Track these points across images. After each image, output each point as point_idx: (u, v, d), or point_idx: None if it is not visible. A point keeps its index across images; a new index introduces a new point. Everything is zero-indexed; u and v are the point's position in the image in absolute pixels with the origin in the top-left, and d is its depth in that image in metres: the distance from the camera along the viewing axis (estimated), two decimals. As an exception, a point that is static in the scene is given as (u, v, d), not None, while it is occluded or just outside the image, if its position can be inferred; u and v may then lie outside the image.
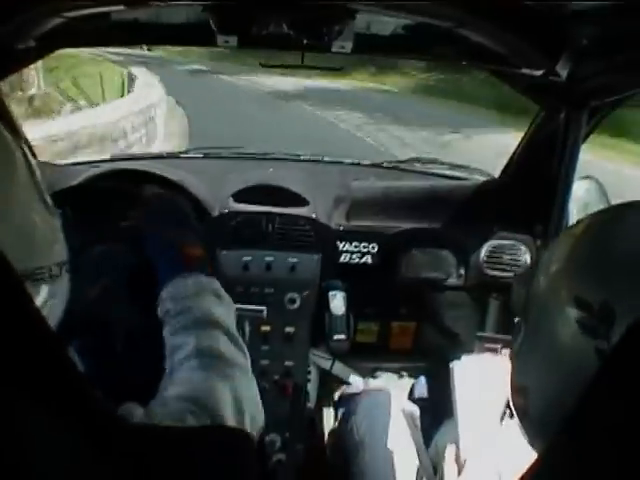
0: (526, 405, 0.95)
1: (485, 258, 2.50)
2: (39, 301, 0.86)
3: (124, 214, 1.51)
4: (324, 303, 2.47)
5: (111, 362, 1.54)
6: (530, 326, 0.96)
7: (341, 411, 2.11)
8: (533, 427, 0.96)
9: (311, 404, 2.62)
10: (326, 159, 3.22)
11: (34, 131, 8.23)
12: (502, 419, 1.30)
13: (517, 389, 0.99)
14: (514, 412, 1.03)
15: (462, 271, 2.54)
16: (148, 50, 31.90)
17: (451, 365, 1.76)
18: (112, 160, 2.81)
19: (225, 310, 1.28)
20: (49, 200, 0.94)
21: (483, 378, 1.64)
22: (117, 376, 1.37)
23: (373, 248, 2.54)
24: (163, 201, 1.55)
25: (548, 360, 0.89)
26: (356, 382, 2.67)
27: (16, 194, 0.85)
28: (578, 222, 1.00)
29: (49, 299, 0.89)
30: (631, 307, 0.79)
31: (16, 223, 0.83)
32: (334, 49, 1.90)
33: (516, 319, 1.05)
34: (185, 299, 1.23)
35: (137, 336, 1.97)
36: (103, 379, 0.92)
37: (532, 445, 0.98)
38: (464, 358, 1.75)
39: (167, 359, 1.16)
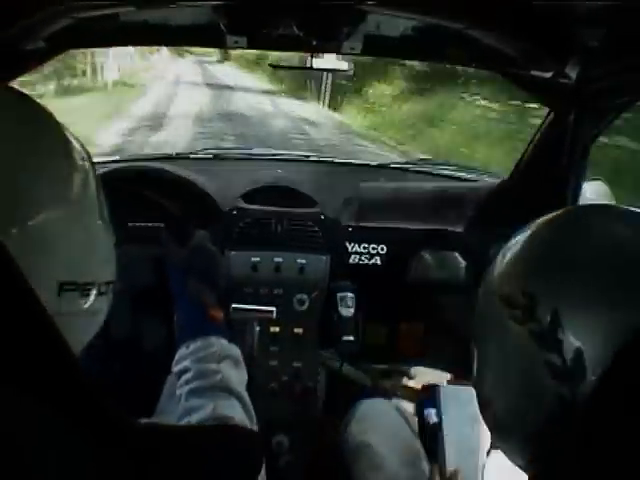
0: (493, 417, 0.96)
1: (494, 259, 2.49)
2: (81, 316, 0.87)
3: (132, 215, 1.53)
4: (333, 304, 2.47)
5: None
6: (477, 339, 0.99)
7: (355, 412, 2.10)
8: (505, 439, 0.96)
9: (319, 405, 2.62)
10: (335, 160, 3.22)
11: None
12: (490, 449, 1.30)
13: (483, 405, 1.01)
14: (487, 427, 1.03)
15: (471, 272, 2.53)
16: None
17: (438, 389, 1.79)
18: (121, 161, 2.81)
19: (241, 377, 1.31)
20: (107, 217, 0.96)
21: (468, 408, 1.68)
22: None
23: (382, 249, 2.54)
24: (200, 251, 1.58)
25: (495, 363, 0.92)
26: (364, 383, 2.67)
27: (86, 206, 0.88)
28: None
29: (91, 316, 0.90)
30: (548, 285, 0.83)
31: (81, 234, 0.86)
32: (344, 50, 1.90)
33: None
34: (207, 362, 1.26)
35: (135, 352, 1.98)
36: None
37: (512, 461, 0.99)
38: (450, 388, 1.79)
39: (180, 418, 1.18)
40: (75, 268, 0.85)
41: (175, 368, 1.30)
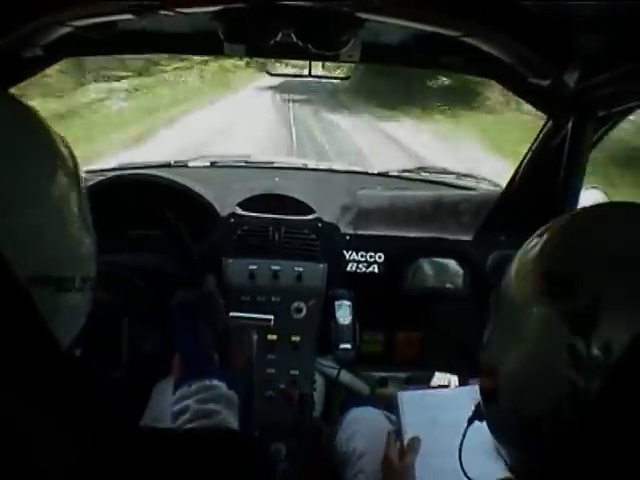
0: (495, 386, 0.94)
1: (492, 267, 2.49)
2: (60, 311, 0.86)
3: (130, 223, 1.52)
4: (330, 312, 2.47)
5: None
6: (501, 310, 0.97)
7: (343, 420, 2.11)
8: (501, 410, 0.95)
9: (317, 413, 2.61)
10: (333, 168, 3.22)
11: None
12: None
13: (486, 372, 0.98)
14: (483, 397, 1.02)
15: (468, 280, 2.53)
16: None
17: (399, 394, 1.79)
18: (119, 169, 2.82)
19: (236, 419, 1.33)
20: (88, 213, 0.95)
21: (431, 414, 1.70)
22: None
23: (379, 257, 2.54)
24: (209, 298, 1.61)
25: (516, 336, 0.89)
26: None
27: (61, 199, 0.87)
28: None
29: (69, 312, 0.89)
30: (596, 272, 0.81)
31: (53, 228, 0.84)
32: (342, 58, 1.90)
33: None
34: (208, 403, 1.29)
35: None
36: None
37: (498, 441, 0.98)
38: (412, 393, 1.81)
39: None
40: (50, 263, 0.83)
41: (175, 407, 1.31)
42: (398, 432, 1.77)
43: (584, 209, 1.03)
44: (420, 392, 1.85)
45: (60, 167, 0.87)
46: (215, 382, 1.34)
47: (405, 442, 1.71)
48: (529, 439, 0.85)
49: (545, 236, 0.94)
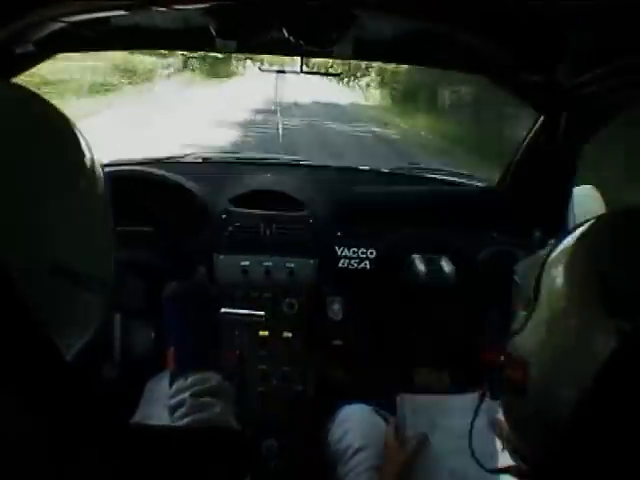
0: (525, 378, 0.93)
1: (484, 264, 2.49)
2: (75, 307, 0.86)
3: (120, 219, 1.51)
4: (322, 308, 2.47)
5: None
6: (541, 303, 0.94)
7: (335, 418, 2.10)
8: (528, 405, 0.94)
9: (308, 409, 2.61)
10: (325, 164, 3.21)
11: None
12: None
13: (516, 363, 0.97)
14: (508, 389, 1.01)
15: (460, 277, 2.53)
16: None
17: (400, 398, 1.80)
18: (110, 165, 2.81)
19: (232, 412, 1.33)
20: (111, 222, 0.98)
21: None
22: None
23: (372, 253, 2.54)
24: (202, 289, 1.60)
25: (557, 334, 0.88)
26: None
27: (87, 201, 0.87)
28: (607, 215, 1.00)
29: (84, 310, 0.89)
30: None
31: (82, 225, 0.86)
32: (334, 54, 1.90)
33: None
34: (204, 396, 1.28)
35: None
36: None
37: (516, 431, 0.98)
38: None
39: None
40: (72, 255, 0.83)
41: (172, 401, 1.31)
42: (398, 431, 1.78)
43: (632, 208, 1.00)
44: (421, 397, 1.86)
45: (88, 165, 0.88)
46: (210, 375, 1.33)
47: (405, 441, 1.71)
48: (553, 432, 0.84)
49: (598, 233, 0.93)
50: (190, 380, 1.31)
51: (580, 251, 0.90)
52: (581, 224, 0.96)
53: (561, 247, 0.95)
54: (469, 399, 1.59)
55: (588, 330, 0.82)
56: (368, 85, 30.14)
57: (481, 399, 1.19)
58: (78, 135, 0.88)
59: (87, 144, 0.90)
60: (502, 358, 1.02)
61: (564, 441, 0.79)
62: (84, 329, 0.91)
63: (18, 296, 0.65)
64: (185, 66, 28.89)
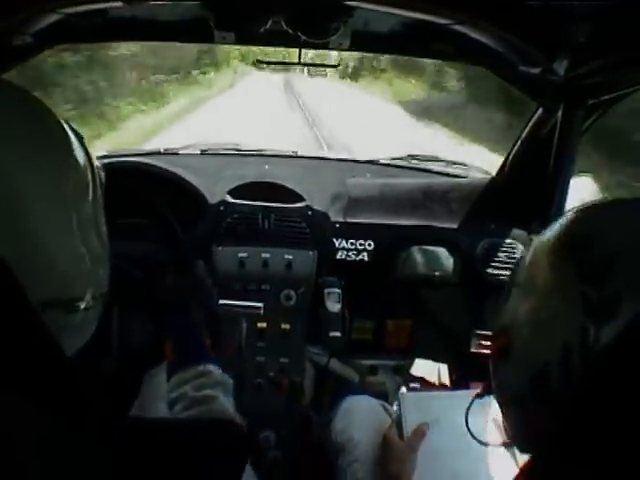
0: (507, 342, 0.94)
1: (481, 255, 2.50)
2: (67, 330, 0.83)
3: (118, 211, 1.51)
4: (320, 300, 2.47)
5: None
6: (522, 269, 0.96)
7: (338, 409, 2.11)
8: (513, 365, 0.95)
9: (306, 401, 2.62)
10: (323, 156, 3.21)
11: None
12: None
13: (499, 333, 0.98)
14: (494, 356, 1.02)
15: (458, 268, 2.53)
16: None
17: (401, 395, 1.80)
18: (108, 157, 2.80)
19: (231, 404, 1.33)
20: (104, 226, 0.93)
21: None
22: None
23: (369, 245, 2.54)
24: (201, 284, 1.64)
25: (530, 290, 0.90)
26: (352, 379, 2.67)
27: (82, 215, 0.83)
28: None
29: (76, 330, 0.87)
30: (632, 264, 0.78)
31: (67, 249, 0.81)
32: (332, 45, 1.90)
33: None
34: (204, 389, 1.29)
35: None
36: None
37: (504, 404, 0.99)
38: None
39: None
40: (59, 284, 0.80)
41: (172, 394, 1.31)
42: (399, 428, 1.78)
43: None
44: (423, 394, 1.87)
45: (73, 168, 0.83)
46: (210, 367, 1.34)
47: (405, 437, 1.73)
48: (538, 393, 0.85)
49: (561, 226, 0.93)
50: (190, 373, 1.32)
51: (563, 223, 0.91)
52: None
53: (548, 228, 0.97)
54: (469, 395, 1.60)
55: (557, 293, 0.83)
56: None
57: (481, 394, 1.21)
58: (70, 137, 0.84)
59: (82, 143, 0.87)
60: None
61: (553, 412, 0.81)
62: (82, 337, 0.91)
63: (22, 300, 0.65)
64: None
